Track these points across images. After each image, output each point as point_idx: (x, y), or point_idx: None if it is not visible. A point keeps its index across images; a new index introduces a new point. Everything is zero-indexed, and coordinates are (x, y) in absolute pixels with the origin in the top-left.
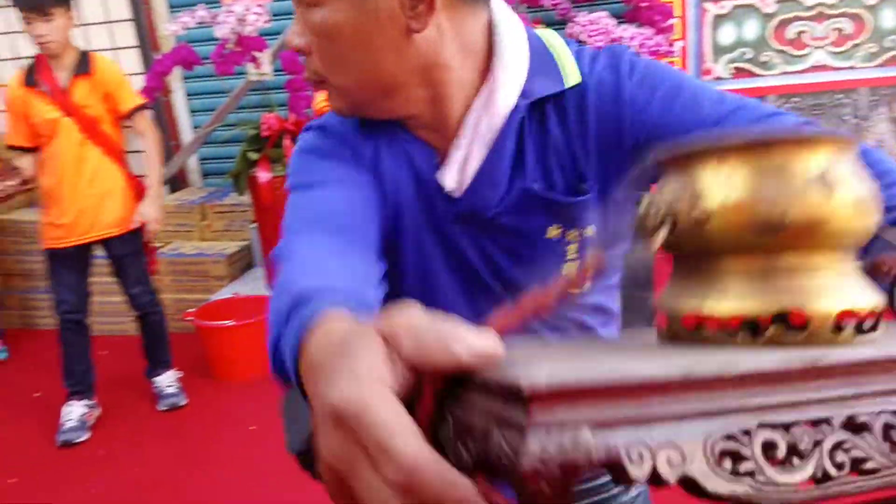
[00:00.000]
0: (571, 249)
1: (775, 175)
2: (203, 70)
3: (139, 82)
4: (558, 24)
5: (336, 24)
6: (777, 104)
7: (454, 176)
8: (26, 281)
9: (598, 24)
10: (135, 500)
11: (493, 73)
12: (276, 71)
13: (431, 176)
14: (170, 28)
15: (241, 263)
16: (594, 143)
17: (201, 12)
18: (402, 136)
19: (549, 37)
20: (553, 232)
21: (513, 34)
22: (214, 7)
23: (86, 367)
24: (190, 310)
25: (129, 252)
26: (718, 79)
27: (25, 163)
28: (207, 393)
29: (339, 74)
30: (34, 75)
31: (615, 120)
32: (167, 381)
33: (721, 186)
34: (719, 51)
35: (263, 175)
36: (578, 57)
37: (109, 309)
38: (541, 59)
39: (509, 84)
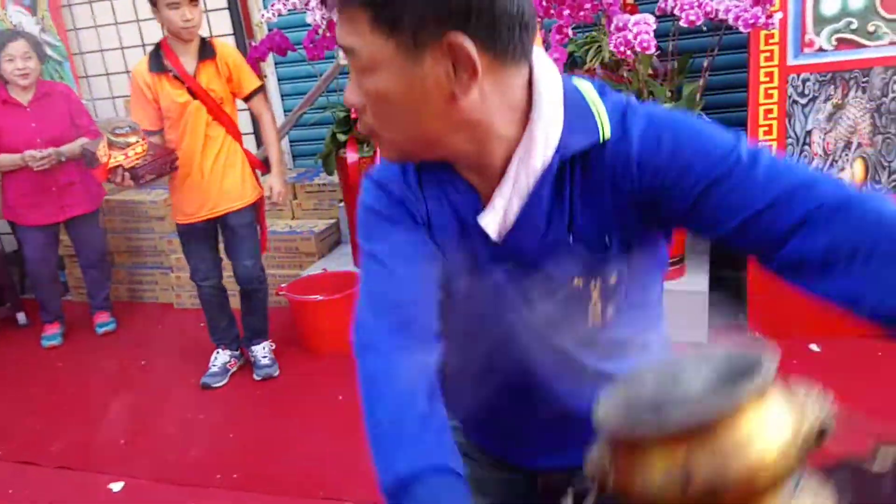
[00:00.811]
0: (595, 295)
1: (705, 453)
2: (294, 55)
3: None
4: None
5: (387, 90)
6: (884, 77)
7: (497, 222)
8: (133, 257)
9: None
10: (231, 462)
11: (531, 129)
12: None
13: (475, 221)
14: (263, 15)
15: (330, 240)
16: (614, 197)
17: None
18: (447, 179)
19: (586, 88)
20: (577, 281)
21: (551, 89)
22: None
23: (227, 323)
24: (282, 284)
25: (247, 224)
26: (821, 50)
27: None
28: (298, 363)
29: (389, 131)
30: (162, 60)
31: (629, 177)
32: (263, 351)
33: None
34: (821, 21)
35: (351, 156)
36: (611, 110)
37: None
38: (577, 112)
39: (546, 139)
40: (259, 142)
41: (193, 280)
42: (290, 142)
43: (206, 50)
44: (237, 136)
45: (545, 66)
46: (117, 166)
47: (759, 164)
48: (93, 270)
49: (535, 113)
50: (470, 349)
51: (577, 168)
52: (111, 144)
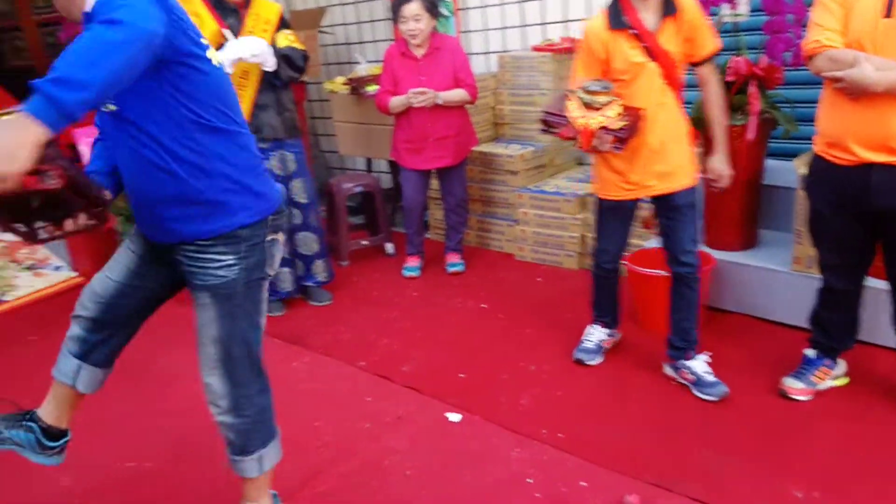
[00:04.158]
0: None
1: None
2: None
3: None
4: None
5: None
6: None
7: None
8: (485, 206)
9: None
10: (557, 421)
11: None
12: (752, 11)
13: None
14: None
15: None
16: None
17: None
18: None
19: None
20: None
21: None
22: None
23: (612, 303)
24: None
25: (687, 205)
26: None
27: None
28: (632, 336)
29: None
30: (620, 16)
31: None
32: (703, 367)
33: None
34: None
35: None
36: None
37: (551, 241)
38: None
39: None
40: None
41: (595, 259)
42: None
43: (669, 5)
44: (682, 105)
45: None
46: (601, 128)
47: None
48: (452, 215)
49: None
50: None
51: None
52: (587, 105)
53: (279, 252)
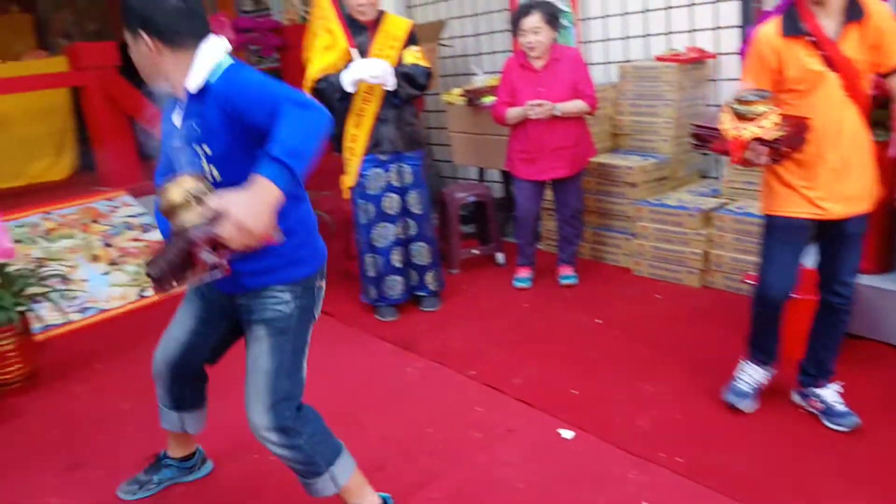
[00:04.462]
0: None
1: None
2: None
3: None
4: None
5: None
6: None
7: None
8: (601, 219)
9: None
10: (677, 445)
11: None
12: None
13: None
14: None
15: None
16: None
17: None
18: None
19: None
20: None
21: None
22: None
23: (774, 340)
24: (751, 272)
25: (858, 233)
26: None
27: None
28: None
29: None
30: (797, 23)
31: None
32: (833, 396)
33: None
34: None
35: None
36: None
37: (672, 257)
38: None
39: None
40: None
41: (761, 290)
42: None
43: (854, 10)
44: (868, 120)
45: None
46: (754, 139)
47: None
48: (567, 226)
49: None
50: None
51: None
52: (739, 116)
53: (322, 297)
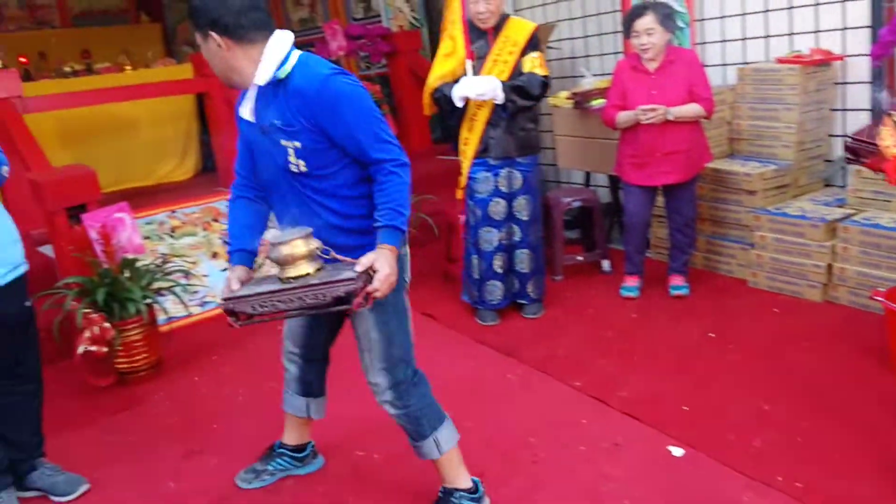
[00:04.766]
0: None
1: None
2: None
3: None
4: None
5: None
6: None
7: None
8: (715, 227)
9: None
10: (795, 467)
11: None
12: None
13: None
14: None
15: None
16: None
17: None
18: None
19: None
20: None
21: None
22: None
23: None
24: (879, 288)
25: None
26: None
27: None
28: (882, 379)
29: None
30: None
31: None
32: None
33: None
34: None
35: None
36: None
37: (792, 269)
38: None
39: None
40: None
41: None
42: None
43: None
44: None
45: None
46: None
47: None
48: (679, 234)
49: None
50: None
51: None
52: None
53: (408, 263)
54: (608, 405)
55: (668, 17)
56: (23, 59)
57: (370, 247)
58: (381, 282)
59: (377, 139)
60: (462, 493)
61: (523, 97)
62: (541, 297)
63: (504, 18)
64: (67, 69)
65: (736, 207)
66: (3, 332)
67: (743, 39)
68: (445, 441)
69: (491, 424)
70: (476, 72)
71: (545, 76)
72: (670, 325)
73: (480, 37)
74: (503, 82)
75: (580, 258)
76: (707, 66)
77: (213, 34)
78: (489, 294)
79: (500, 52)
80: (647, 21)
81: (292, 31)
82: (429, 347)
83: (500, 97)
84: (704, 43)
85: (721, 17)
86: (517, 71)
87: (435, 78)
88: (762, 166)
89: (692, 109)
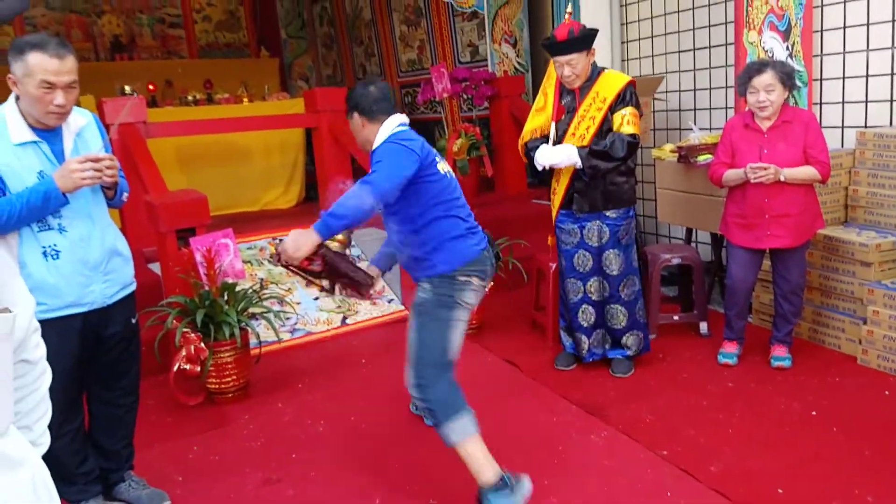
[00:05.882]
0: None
1: None
2: None
3: None
4: None
5: None
6: None
7: None
8: (824, 297)
9: None
10: None
11: None
12: None
13: None
14: None
15: None
16: None
17: None
18: None
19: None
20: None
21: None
22: None
23: None
24: None
25: None
26: None
27: None
28: None
29: None
30: None
31: None
32: None
33: None
34: None
35: None
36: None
37: None
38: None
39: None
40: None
41: None
42: None
43: None
44: None
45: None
46: None
47: None
48: (785, 302)
49: None
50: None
51: None
52: None
53: (471, 289)
54: (696, 479)
55: (788, 76)
56: (151, 87)
57: (430, 268)
58: (280, 245)
59: (372, 169)
60: (486, 485)
61: (606, 160)
62: (635, 355)
63: (598, 72)
64: (190, 98)
65: (848, 279)
66: (110, 346)
67: (865, 102)
68: (453, 433)
69: (572, 487)
70: (564, 127)
71: (633, 135)
72: (769, 397)
73: (570, 92)
74: (584, 147)
75: (676, 318)
76: (825, 127)
77: (356, 114)
78: (574, 343)
79: (587, 109)
80: (766, 78)
81: (400, 70)
82: (510, 396)
83: (577, 164)
84: (822, 104)
85: (842, 78)
86: (606, 126)
87: (527, 132)
88: (880, 237)
89: (806, 172)
